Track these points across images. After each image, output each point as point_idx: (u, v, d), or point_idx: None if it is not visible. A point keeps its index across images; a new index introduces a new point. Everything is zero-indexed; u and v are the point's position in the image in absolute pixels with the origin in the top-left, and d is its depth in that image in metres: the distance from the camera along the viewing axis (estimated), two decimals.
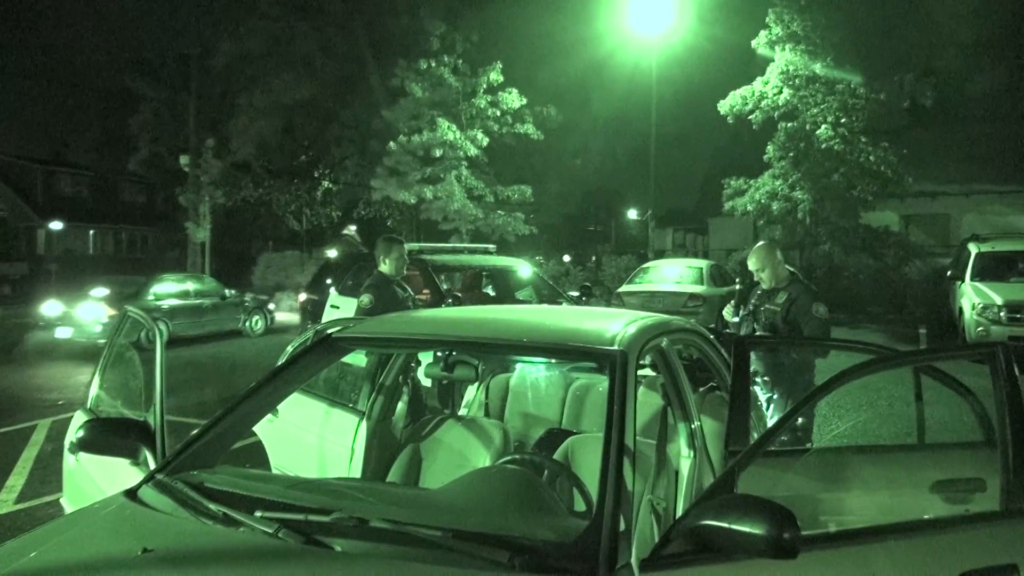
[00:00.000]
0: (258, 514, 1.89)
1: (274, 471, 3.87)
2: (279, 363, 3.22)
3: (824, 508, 2.47)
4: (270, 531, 1.82)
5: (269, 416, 3.45)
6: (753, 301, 4.92)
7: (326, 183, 29.19)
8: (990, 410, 2.40)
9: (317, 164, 29.11)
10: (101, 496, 2.24)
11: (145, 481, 2.15)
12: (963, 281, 12.11)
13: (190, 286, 14.53)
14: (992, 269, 12.07)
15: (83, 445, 2.37)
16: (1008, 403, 2.20)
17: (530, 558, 1.69)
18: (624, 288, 14.79)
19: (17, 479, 5.78)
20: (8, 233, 34.30)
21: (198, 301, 14.25)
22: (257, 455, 4.13)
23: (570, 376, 3.80)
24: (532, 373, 3.80)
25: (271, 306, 16.53)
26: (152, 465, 2.31)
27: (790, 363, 4.59)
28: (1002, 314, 10.76)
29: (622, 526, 1.75)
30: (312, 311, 11.30)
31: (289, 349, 4.48)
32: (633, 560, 1.76)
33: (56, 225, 32.90)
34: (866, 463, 2.62)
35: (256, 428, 3.70)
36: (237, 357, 12.43)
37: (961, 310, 11.75)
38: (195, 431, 2.33)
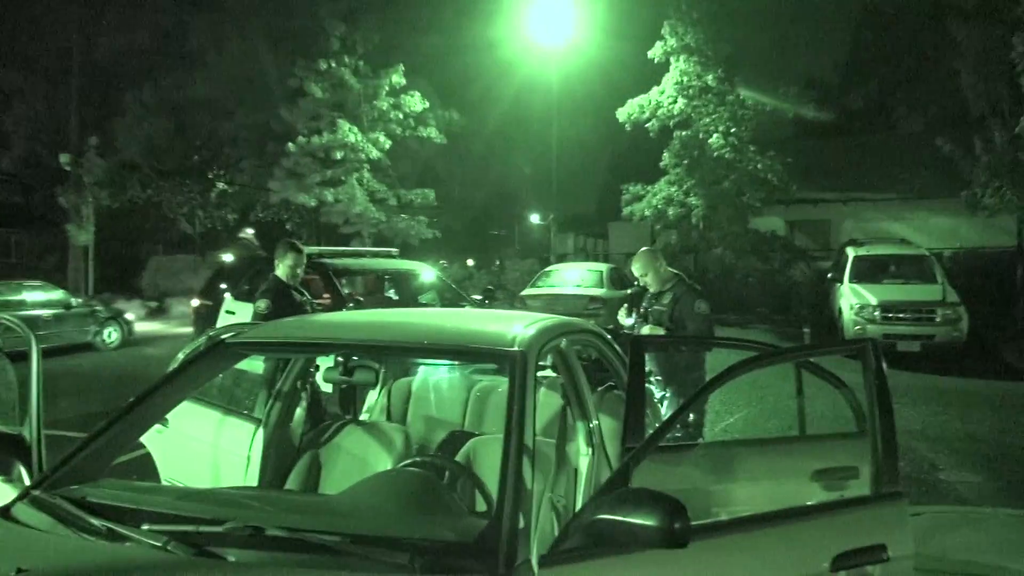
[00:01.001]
0: (145, 527, 1.82)
1: (164, 483, 3.71)
2: (169, 370, 3.09)
3: (715, 499, 2.58)
4: (158, 544, 1.75)
5: (158, 426, 3.31)
6: (644, 304, 5.19)
7: (221, 184, 28.13)
8: (864, 403, 2.57)
9: (211, 165, 28.02)
10: None
11: (20, 498, 2.02)
12: (842, 283, 12.88)
13: (27, 296, 13.02)
14: (868, 272, 12.88)
15: None
16: (877, 395, 2.36)
17: (431, 559, 1.69)
18: (527, 291, 14.94)
19: None
20: None
21: (36, 312, 12.64)
22: (146, 468, 3.94)
23: (472, 378, 3.82)
24: (434, 376, 3.79)
25: (129, 315, 15.01)
26: (28, 481, 2.18)
27: (682, 361, 4.81)
28: (876, 314, 11.50)
29: (521, 524, 1.78)
30: (206, 317, 10.85)
31: (180, 356, 4.31)
32: (533, 556, 1.79)
33: None
34: (753, 455, 2.76)
35: (144, 439, 3.54)
36: (84, 373, 11.20)
37: (840, 310, 12.49)
38: (76, 444, 2.21)
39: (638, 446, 2.08)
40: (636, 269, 5.18)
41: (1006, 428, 7.42)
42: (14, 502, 2.01)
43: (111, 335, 14.23)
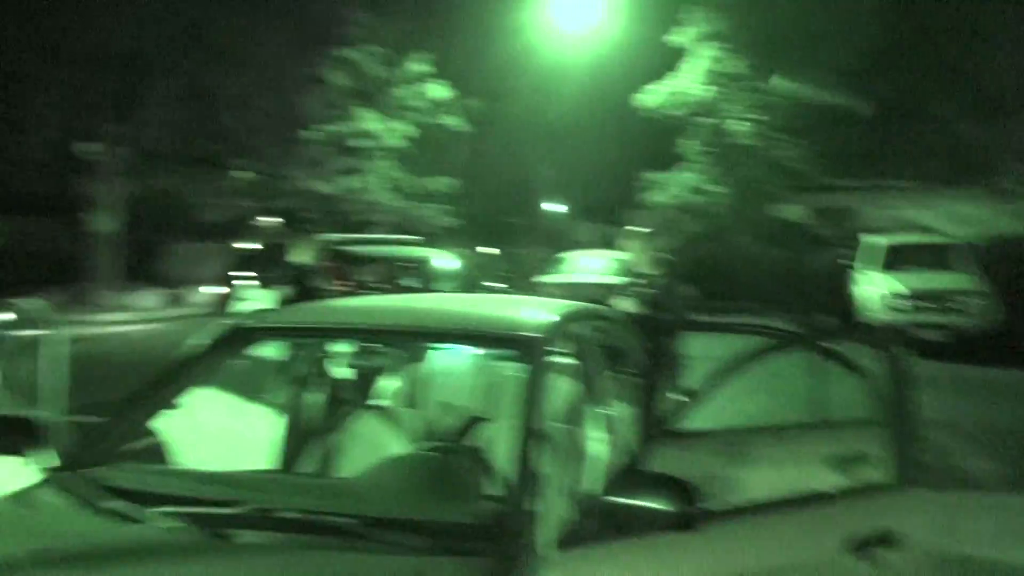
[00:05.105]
0: (160, 509, 1.83)
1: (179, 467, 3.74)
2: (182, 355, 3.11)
3: (729, 485, 2.56)
4: (174, 526, 1.77)
5: (172, 411, 3.33)
6: (634, 287, 5.58)
7: (242, 173, 28.30)
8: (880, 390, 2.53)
9: (233, 153, 28.16)
10: None
11: (41, 480, 2.05)
12: (864, 271, 12.70)
13: None
14: (895, 260, 12.69)
15: None
16: (898, 382, 2.33)
17: (444, 541, 1.69)
18: (544, 279, 14.94)
19: None
20: None
21: None
22: (159, 453, 3.97)
23: (488, 364, 3.81)
24: (449, 361, 3.78)
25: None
26: (46, 464, 2.20)
27: (675, 345, 4.97)
28: (905, 302, 11.33)
29: (535, 507, 1.78)
30: (225, 304, 10.96)
31: (193, 342, 4.33)
32: (547, 539, 1.79)
33: None
34: (768, 441, 2.73)
35: (157, 424, 3.57)
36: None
37: (864, 299, 12.33)
38: (93, 427, 2.23)
39: (653, 432, 2.06)
40: (630, 249, 5.64)
41: None
42: (35, 484, 2.03)
43: None
